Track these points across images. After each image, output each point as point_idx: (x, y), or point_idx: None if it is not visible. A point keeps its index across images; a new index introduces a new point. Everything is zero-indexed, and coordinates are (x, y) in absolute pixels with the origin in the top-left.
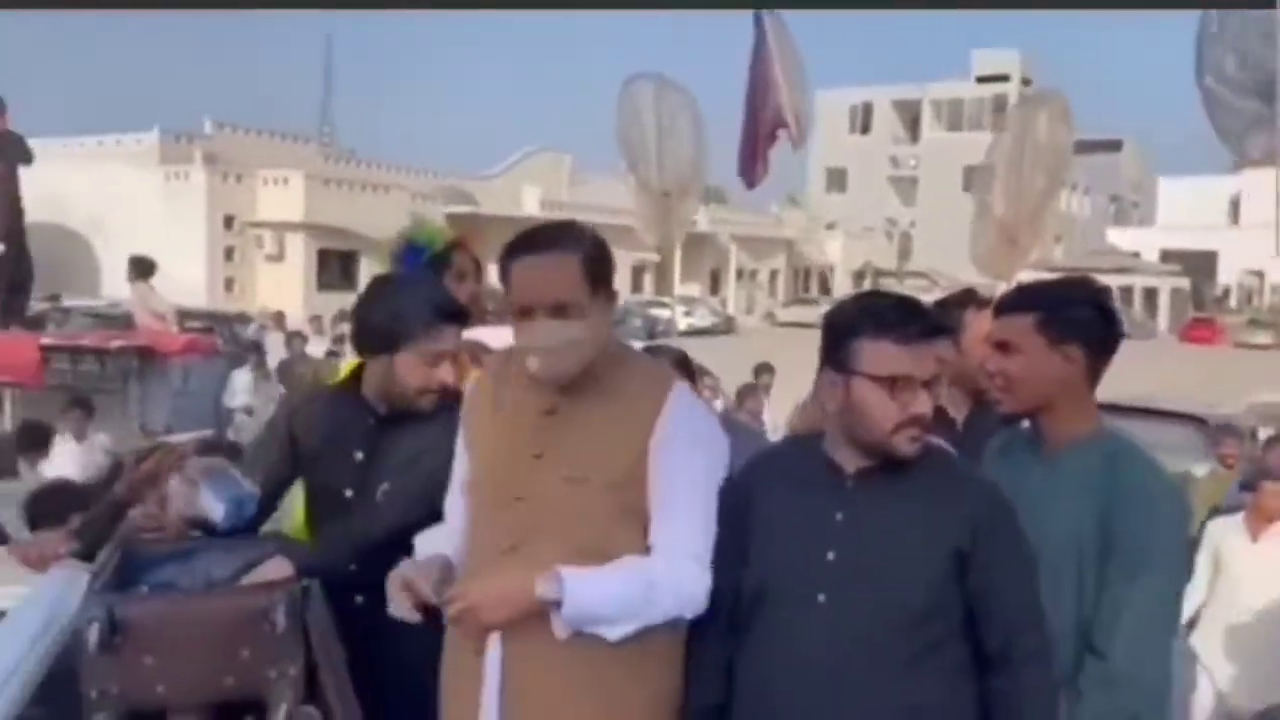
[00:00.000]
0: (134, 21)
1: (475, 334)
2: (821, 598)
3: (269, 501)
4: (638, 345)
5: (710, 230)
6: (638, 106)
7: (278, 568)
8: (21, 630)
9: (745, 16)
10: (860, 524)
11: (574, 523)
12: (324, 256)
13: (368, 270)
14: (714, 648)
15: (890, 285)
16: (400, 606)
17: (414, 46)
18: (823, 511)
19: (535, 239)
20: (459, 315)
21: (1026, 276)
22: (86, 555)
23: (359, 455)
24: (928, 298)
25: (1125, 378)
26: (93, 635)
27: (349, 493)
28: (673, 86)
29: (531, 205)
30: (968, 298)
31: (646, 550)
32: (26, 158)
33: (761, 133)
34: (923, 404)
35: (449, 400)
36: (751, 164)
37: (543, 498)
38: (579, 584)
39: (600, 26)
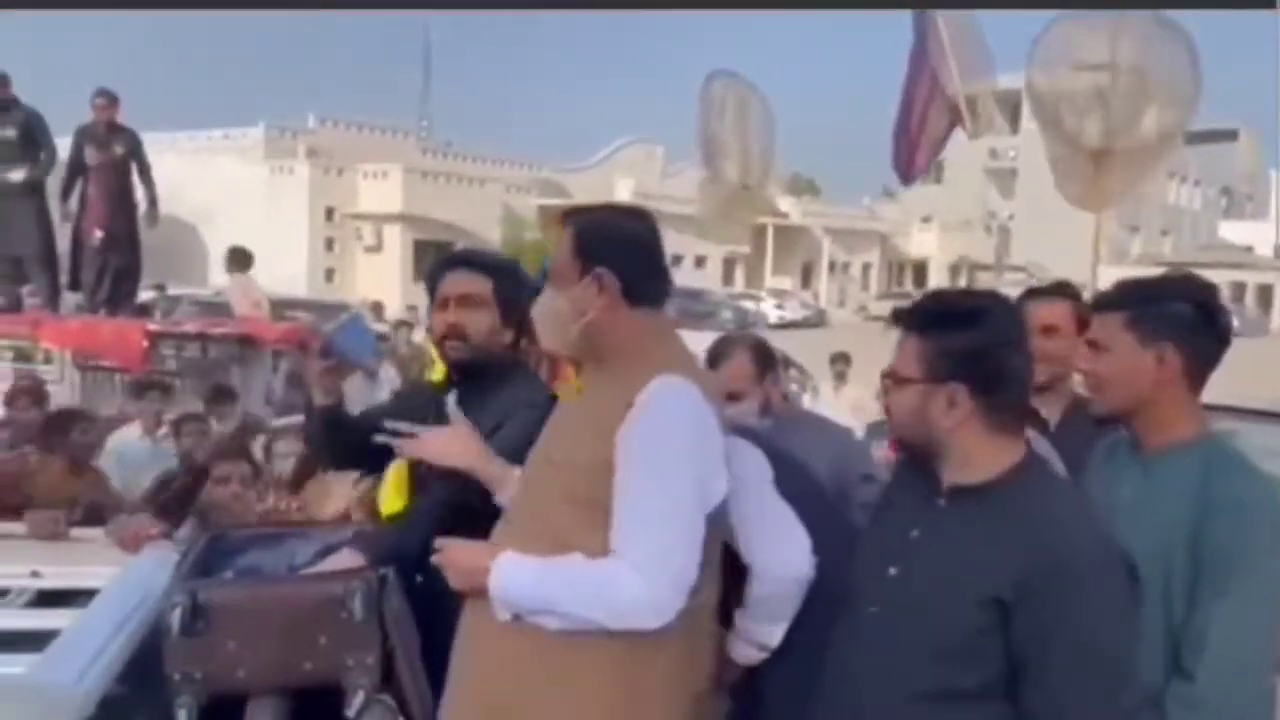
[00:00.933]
0: (241, 21)
1: None
2: (873, 609)
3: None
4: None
5: (802, 223)
6: (716, 103)
7: (349, 558)
8: (111, 611)
9: (828, 15)
10: (930, 544)
11: (543, 504)
12: (420, 247)
13: None
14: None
15: (988, 280)
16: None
17: (511, 39)
18: (902, 525)
19: (569, 213)
20: (464, 262)
21: (1130, 273)
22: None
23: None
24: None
25: (1238, 378)
26: (176, 619)
27: (423, 467)
28: (746, 84)
29: (624, 197)
30: (1059, 290)
31: (605, 546)
32: (139, 156)
33: (921, 128)
34: None
35: (503, 361)
36: (910, 159)
37: (534, 475)
38: (508, 569)
39: (694, 20)
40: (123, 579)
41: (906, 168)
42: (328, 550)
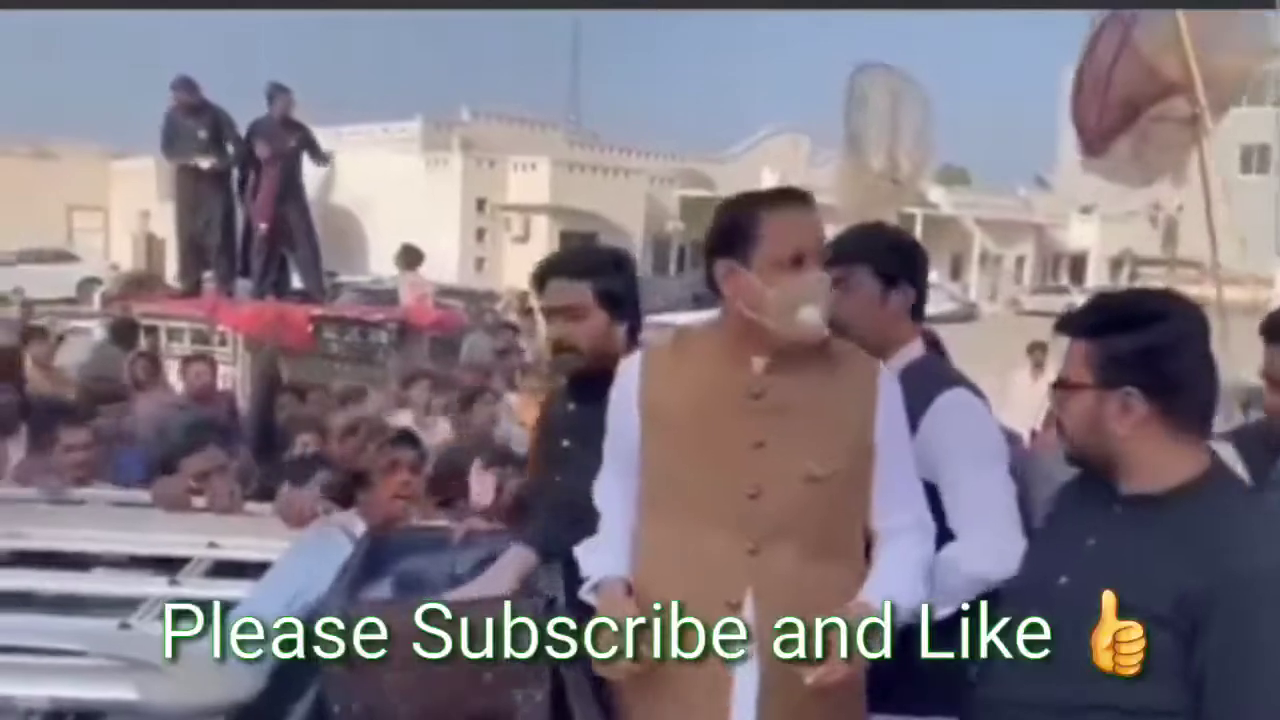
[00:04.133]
0: (402, 17)
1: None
2: (1040, 617)
3: None
4: None
5: (952, 213)
6: (861, 95)
7: (518, 558)
8: (282, 586)
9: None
10: (1105, 556)
11: (813, 524)
12: (566, 238)
13: None
14: None
15: (1154, 274)
16: (614, 670)
17: (658, 32)
18: (1077, 533)
19: (791, 193)
20: (561, 270)
21: None
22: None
23: (565, 443)
24: (1196, 290)
25: None
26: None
27: (558, 479)
28: (899, 76)
29: (768, 186)
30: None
31: (864, 545)
32: (312, 146)
33: (1108, 87)
34: None
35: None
36: (1099, 124)
37: (780, 495)
38: (888, 595)
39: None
40: (293, 556)
41: (1095, 135)
42: (491, 559)
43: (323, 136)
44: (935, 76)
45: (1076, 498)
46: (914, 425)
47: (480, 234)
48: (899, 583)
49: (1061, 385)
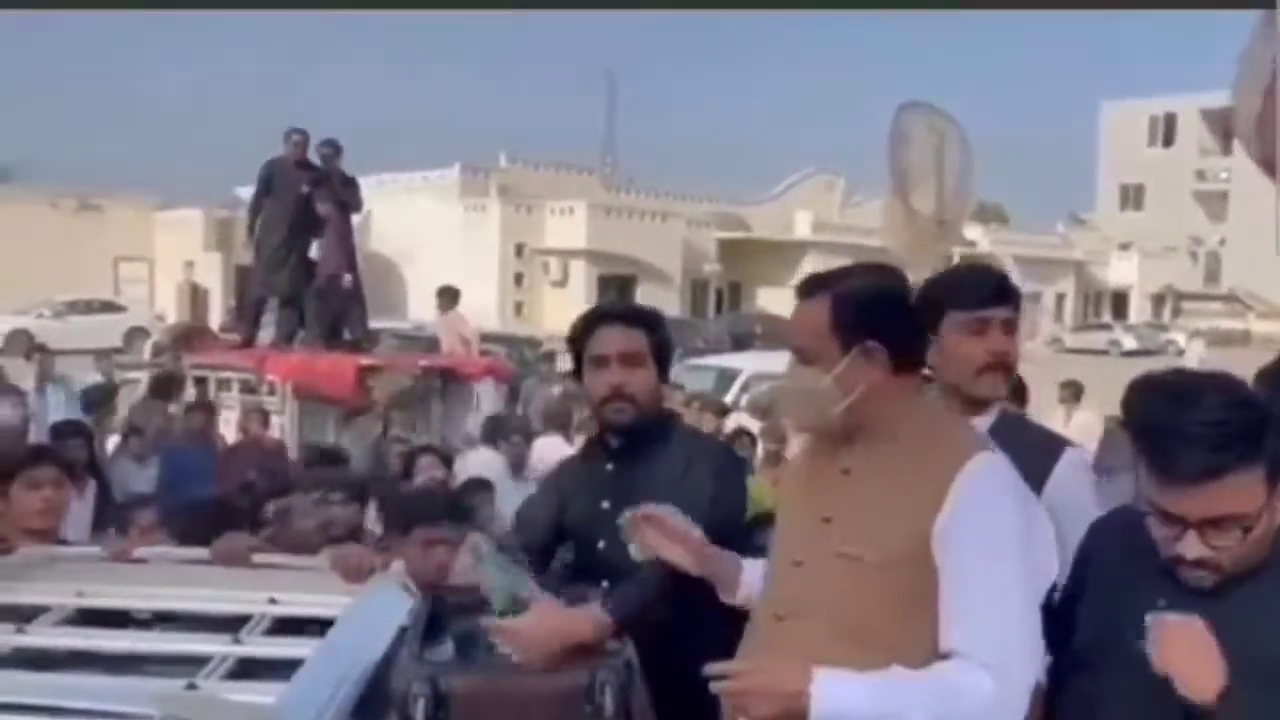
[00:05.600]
0: (437, 69)
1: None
2: (1124, 680)
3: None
4: None
5: (990, 251)
6: (907, 134)
7: (592, 618)
8: (347, 646)
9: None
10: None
11: (844, 601)
12: (604, 282)
13: (644, 295)
14: None
15: (1197, 309)
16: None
17: (693, 75)
18: (1152, 591)
19: (805, 282)
20: (619, 316)
21: None
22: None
23: (604, 504)
24: (1239, 324)
25: None
26: (420, 713)
27: (601, 544)
28: (941, 114)
29: (803, 229)
30: None
31: (928, 637)
32: (358, 205)
33: None
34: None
35: (660, 417)
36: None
37: (819, 568)
38: (833, 690)
39: (876, 46)
40: (355, 614)
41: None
42: None
43: (363, 185)
44: (971, 113)
45: (1128, 553)
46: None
47: (519, 279)
48: (863, 683)
49: (1242, 519)
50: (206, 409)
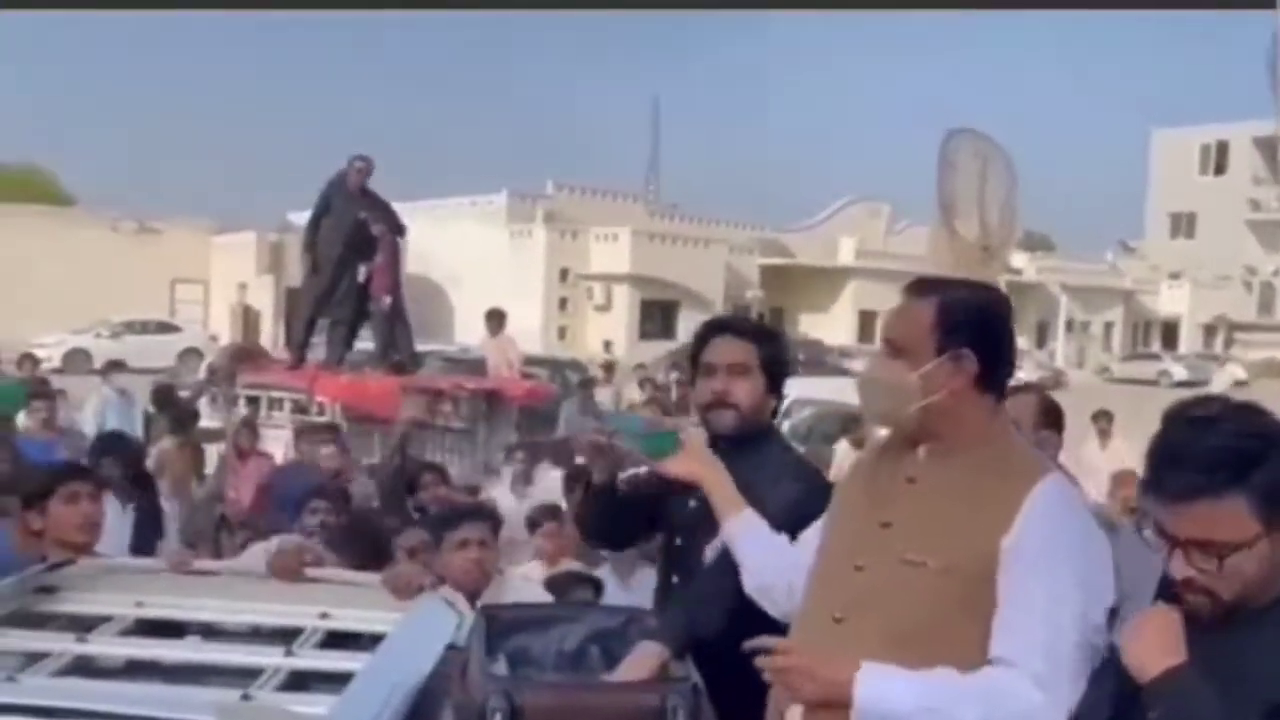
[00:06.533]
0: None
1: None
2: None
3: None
4: None
5: (1037, 279)
6: (954, 160)
7: (650, 654)
8: (397, 662)
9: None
10: (1206, 664)
11: (903, 605)
12: (647, 307)
13: (687, 320)
14: None
15: (1250, 339)
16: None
17: (737, 102)
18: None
19: (917, 282)
20: (730, 328)
21: None
22: None
23: (692, 502)
24: None
25: None
26: None
27: (678, 540)
28: (987, 140)
29: (847, 256)
30: None
31: (984, 648)
32: (403, 228)
33: None
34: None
35: (760, 428)
36: None
37: (879, 572)
38: (878, 681)
39: (921, 74)
40: (403, 630)
41: None
42: (597, 636)
43: (412, 211)
44: (1018, 141)
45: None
46: None
47: (563, 303)
48: (909, 678)
49: (1222, 547)
50: (252, 429)
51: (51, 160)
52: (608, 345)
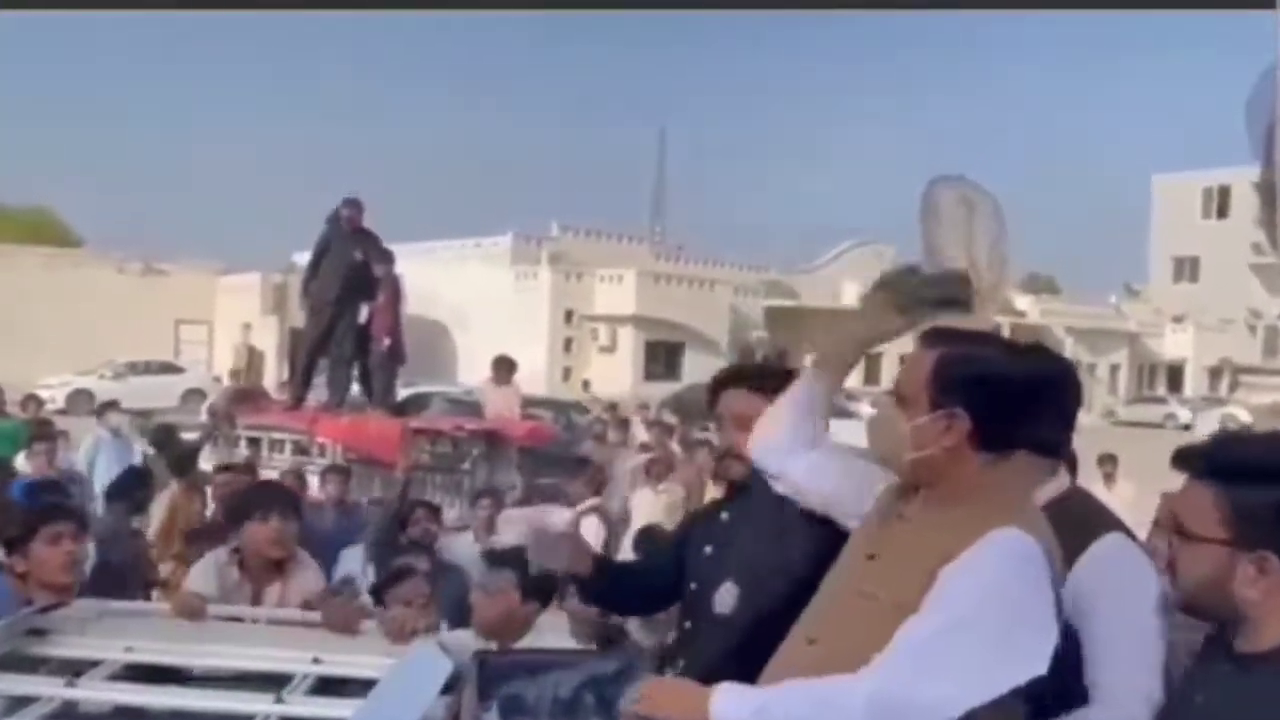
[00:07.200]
0: (490, 140)
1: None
2: None
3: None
4: None
5: (1041, 322)
6: (938, 206)
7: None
8: (390, 710)
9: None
10: (1217, 713)
11: (858, 635)
12: (652, 348)
13: (692, 361)
14: None
15: (1255, 382)
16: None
17: (744, 144)
18: (1185, 690)
19: (931, 331)
20: (741, 379)
21: None
22: None
23: (706, 549)
24: None
25: None
26: None
27: (694, 586)
28: (972, 186)
29: (850, 298)
30: None
31: None
32: (388, 258)
33: None
34: None
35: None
36: None
37: (845, 600)
38: (726, 699)
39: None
40: (396, 676)
41: None
42: (592, 682)
43: (417, 252)
44: (1022, 185)
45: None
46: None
47: (568, 344)
48: (756, 695)
49: (1180, 532)
50: (250, 469)
51: (60, 202)
52: (585, 385)
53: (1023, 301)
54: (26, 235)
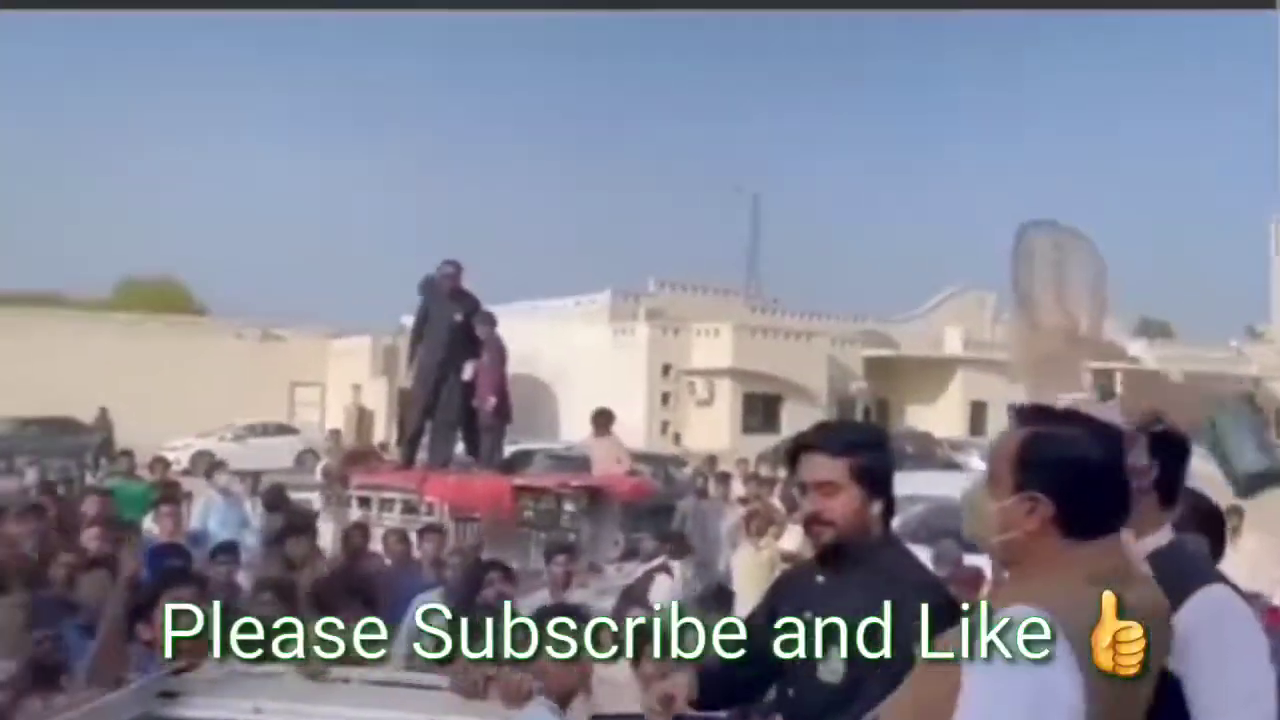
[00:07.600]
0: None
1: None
2: None
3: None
4: None
5: (1157, 367)
6: (1031, 251)
7: None
8: None
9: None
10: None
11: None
12: (750, 400)
13: (790, 413)
14: None
15: None
16: None
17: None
18: None
19: (1027, 408)
20: (817, 445)
21: None
22: None
23: (807, 614)
24: None
25: None
26: None
27: (797, 653)
28: (1067, 230)
29: (954, 345)
30: None
31: None
32: (490, 320)
33: None
34: None
35: (868, 540)
36: None
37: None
38: None
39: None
40: None
41: None
42: None
43: (518, 312)
44: (1134, 229)
45: None
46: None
47: (665, 398)
48: None
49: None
50: (363, 530)
51: (187, 271)
52: (677, 439)
53: (1136, 346)
54: (154, 304)
